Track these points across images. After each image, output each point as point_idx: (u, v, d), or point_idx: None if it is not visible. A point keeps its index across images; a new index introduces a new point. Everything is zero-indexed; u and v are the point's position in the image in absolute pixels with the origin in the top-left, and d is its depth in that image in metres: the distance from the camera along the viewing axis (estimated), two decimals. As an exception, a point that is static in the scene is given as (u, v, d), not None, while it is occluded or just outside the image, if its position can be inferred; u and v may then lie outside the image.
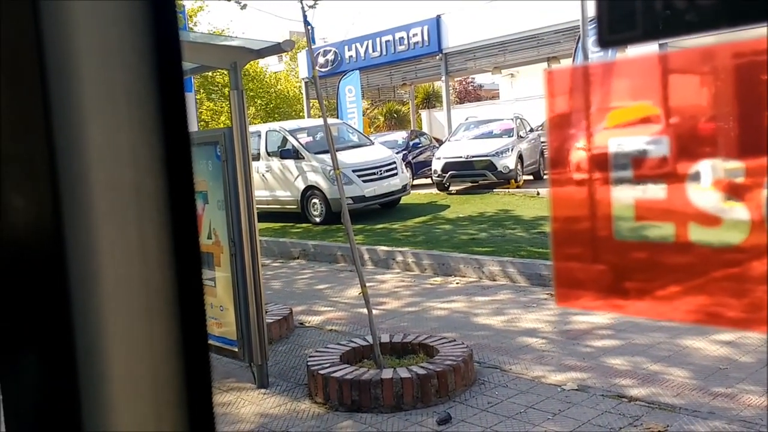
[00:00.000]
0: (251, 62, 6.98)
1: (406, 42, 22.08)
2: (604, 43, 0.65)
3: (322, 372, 4.68)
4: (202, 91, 25.01)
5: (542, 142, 15.91)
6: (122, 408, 0.51)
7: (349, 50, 23.61)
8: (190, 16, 22.19)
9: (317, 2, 6.85)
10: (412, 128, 24.79)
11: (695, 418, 4.05)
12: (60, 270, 0.50)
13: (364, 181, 12.76)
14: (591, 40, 13.12)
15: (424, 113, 30.84)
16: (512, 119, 15.94)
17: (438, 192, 15.28)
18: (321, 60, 23.42)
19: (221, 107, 27.09)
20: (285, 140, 13.62)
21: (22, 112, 0.51)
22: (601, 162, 0.78)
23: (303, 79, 25.86)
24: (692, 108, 0.75)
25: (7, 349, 0.55)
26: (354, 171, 12.65)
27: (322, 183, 12.75)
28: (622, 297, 0.78)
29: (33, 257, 0.52)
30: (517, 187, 14.51)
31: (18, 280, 0.53)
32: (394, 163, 13.55)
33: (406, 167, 15.67)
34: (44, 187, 0.50)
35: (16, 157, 0.52)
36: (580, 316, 6.24)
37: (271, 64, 34.04)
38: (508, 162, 14.48)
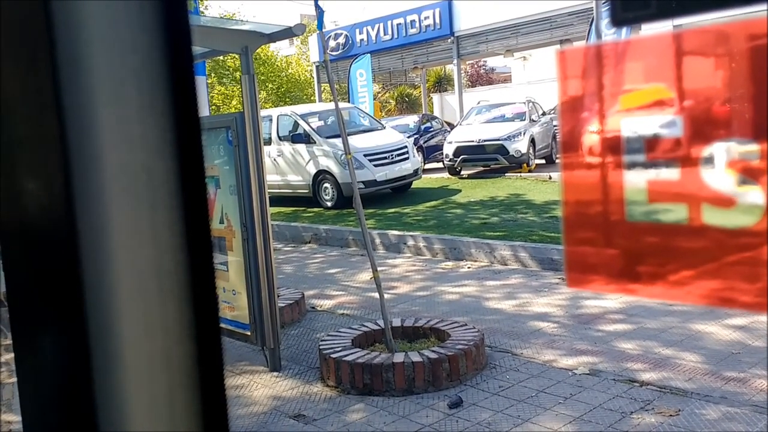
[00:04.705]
0: (262, 46, 6.96)
1: (417, 25, 21.94)
2: (617, 21, 0.64)
3: (334, 356, 4.71)
4: (213, 75, 25.01)
5: (554, 126, 15.81)
6: (135, 389, 0.52)
7: (360, 33, 23.50)
8: (201, 0, 22.14)
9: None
10: (423, 112, 24.69)
11: (707, 403, 4.04)
12: (72, 253, 0.50)
13: (376, 166, 12.74)
14: (604, 22, 12.98)
15: (435, 97, 30.71)
16: (524, 103, 15.84)
17: (449, 176, 15.24)
18: (332, 44, 23.34)
19: (232, 91, 27.07)
20: (296, 125, 13.61)
21: (33, 96, 0.52)
22: (613, 145, 0.78)
23: (314, 62, 25.80)
24: (706, 89, 0.74)
25: (21, 332, 0.55)
26: (365, 155, 12.64)
27: (333, 167, 12.75)
28: (633, 280, 0.78)
29: (46, 241, 0.52)
30: (529, 171, 14.44)
31: (31, 263, 0.54)
32: (406, 147, 13.52)
33: (418, 151, 15.62)
34: (56, 171, 0.50)
35: (28, 142, 0.52)
36: (592, 300, 6.23)
37: (282, 48, 33.97)
38: (520, 146, 14.40)
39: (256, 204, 4.84)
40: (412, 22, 22.06)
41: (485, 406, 4.24)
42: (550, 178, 13.35)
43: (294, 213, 12.86)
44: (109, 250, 0.51)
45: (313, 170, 13.15)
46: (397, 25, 22.52)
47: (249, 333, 5.03)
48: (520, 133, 14.59)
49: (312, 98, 28.26)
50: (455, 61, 22.01)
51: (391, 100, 33.22)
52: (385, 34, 22.88)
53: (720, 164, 0.70)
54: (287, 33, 5.11)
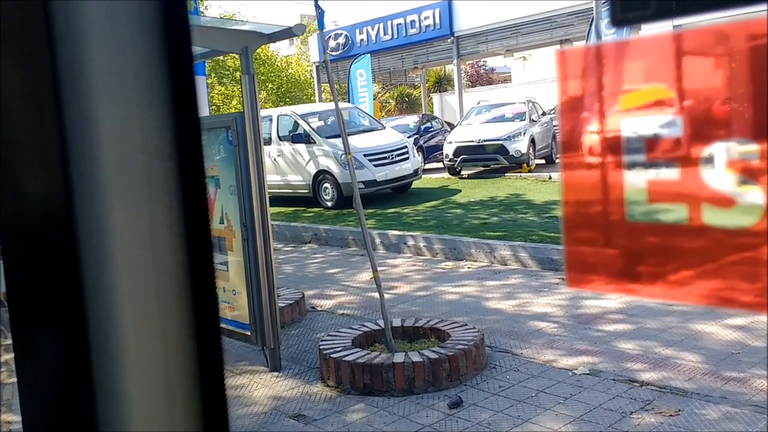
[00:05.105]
0: (262, 46, 6.97)
1: (417, 25, 21.94)
2: (617, 21, 0.64)
3: (334, 356, 4.71)
4: (213, 75, 25.01)
5: (554, 126, 15.82)
6: (135, 389, 0.52)
7: (360, 34, 23.50)
8: (201, 0, 22.13)
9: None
10: (423, 112, 24.69)
11: (707, 403, 4.05)
12: (72, 253, 0.50)
13: (376, 166, 12.74)
14: (604, 22, 12.98)
15: (435, 97, 30.71)
16: (524, 103, 15.84)
17: (449, 176, 15.24)
18: (332, 44, 23.35)
19: (232, 91, 27.08)
20: (296, 125, 13.61)
21: (33, 97, 0.52)
22: (613, 145, 0.78)
23: (314, 62, 25.80)
24: (706, 89, 0.74)
25: (21, 332, 0.55)
26: (365, 155, 12.64)
27: (333, 167, 12.75)
28: (633, 280, 0.78)
29: (45, 241, 0.52)
30: (529, 171, 14.44)
31: (31, 264, 0.54)
32: (406, 147, 13.51)
33: (418, 151, 15.62)
34: (56, 171, 0.50)
35: (28, 142, 0.52)
36: (592, 300, 6.23)
37: (282, 48, 33.97)
38: (520, 146, 14.40)
39: (256, 204, 4.84)
40: (412, 22, 22.06)
41: (485, 406, 4.24)
42: (550, 178, 13.35)
43: (294, 213, 12.86)
44: (109, 250, 0.51)
45: (313, 170, 13.15)
46: (397, 25, 22.51)
47: (249, 333, 5.03)
48: (520, 133, 14.59)
49: (312, 98, 28.25)
50: (455, 61, 22.01)
51: (391, 100, 33.22)
52: (385, 34, 22.88)
53: (720, 164, 0.70)
54: (287, 33, 5.11)
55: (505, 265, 8.00)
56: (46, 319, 0.53)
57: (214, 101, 26.46)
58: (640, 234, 0.77)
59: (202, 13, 20.12)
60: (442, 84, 32.14)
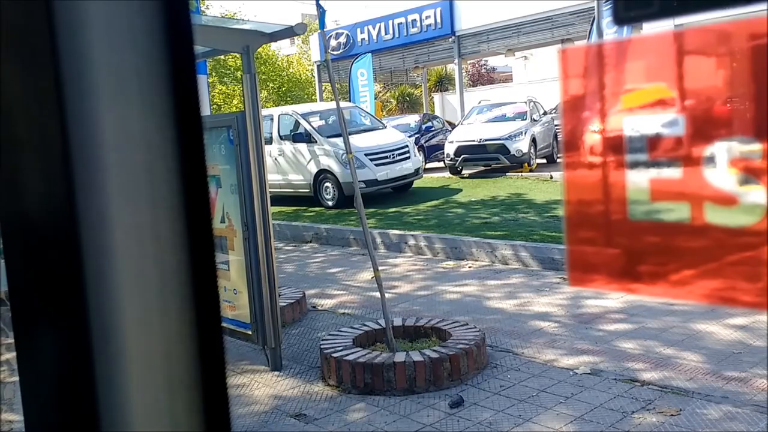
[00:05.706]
0: (263, 45, 6.97)
1: (418, 24, 21.94)
2: (619, 20, 0.64)
3: (335, 355, 4.71)
4: (214, 74, 25.02)
5: (555, 125, 15.81)
6: (136, 388, 0.52)
7: (361, 33, 23.50)
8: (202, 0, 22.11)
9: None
10: (424, 111, 24.69)
11: (708, 403, 4.04)
12: (74, 252, 0.50)
13: (377, 165, 12.74)
14: (606, 21, 12.98)
15: (436, 96, 30.70)
16: (525, 102, 15.84)
17: (450, 176, 15.24)
18: (333, 43, 23.34)
19: (233, 90, 27.08)
20: (297, 124, 13.61)
21: (35, 96, 0.52)
22: (615, 144, 0.78)
23: (315, 62, 25.80)
24: (708, 89, 0.74)
25: (23, 331, 0.55)
26: (366, 155, 12.64)
27: (334, 167, 12.75)
28: (635, 279, 0.78)
29: (47, 240, 0.52)
30: (530, 170, 14.44)
31: (33, 263, 0.54)
32: (407, 146, 13.51)
33: (419, 151, 15.62)
34: (58, 171, 0.50)
35: (31, 141, 0.52)
36: (593, 300, 6.22)
37: (283, 47, 33.96)
38: (521, 145, 14.40)
39: (258, 203, 4.85)
40: (413, 21, 22.06)
41: (486, 405, 4.24)
42: (551, 177, 13.34)
43: (295, 212, 12.86)
44: (111, 249, 0.51)
45: (314, 169, 13.16)
46: (399, 24, 22.51)
47: (250, 332, 5.04)
48: (522, 132, 14.58)
49: (313, 98, 28.25)
50: (456, 61, 22.01)
51: (392, 100, 33.20)
52: (386, 34, 22.88)
53: (722, 163, 0.70)
54: (288, 32, 5.11)
55: (506, 264, 8.00)
56: (48, 318, 0.54)
57: (215, 100, 26.46)
58: (642, 233, 0.77)
59: (204, 12, 20.11)
60: (443, 83, 32.12)
